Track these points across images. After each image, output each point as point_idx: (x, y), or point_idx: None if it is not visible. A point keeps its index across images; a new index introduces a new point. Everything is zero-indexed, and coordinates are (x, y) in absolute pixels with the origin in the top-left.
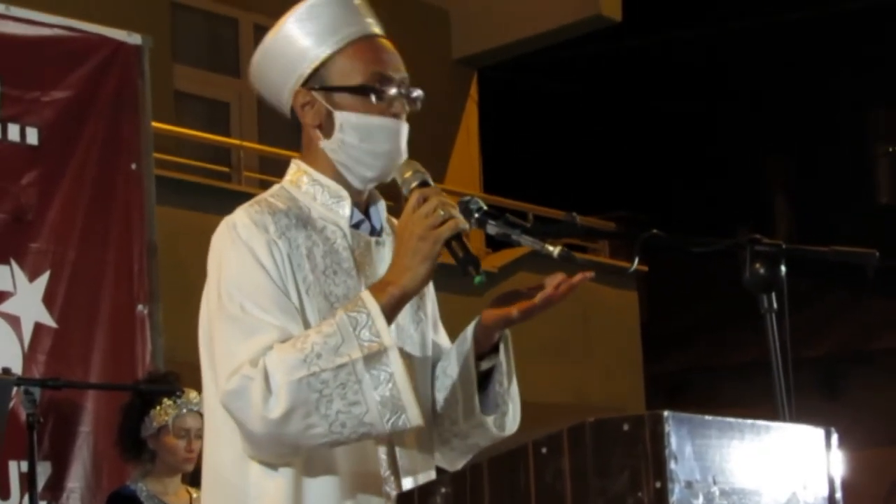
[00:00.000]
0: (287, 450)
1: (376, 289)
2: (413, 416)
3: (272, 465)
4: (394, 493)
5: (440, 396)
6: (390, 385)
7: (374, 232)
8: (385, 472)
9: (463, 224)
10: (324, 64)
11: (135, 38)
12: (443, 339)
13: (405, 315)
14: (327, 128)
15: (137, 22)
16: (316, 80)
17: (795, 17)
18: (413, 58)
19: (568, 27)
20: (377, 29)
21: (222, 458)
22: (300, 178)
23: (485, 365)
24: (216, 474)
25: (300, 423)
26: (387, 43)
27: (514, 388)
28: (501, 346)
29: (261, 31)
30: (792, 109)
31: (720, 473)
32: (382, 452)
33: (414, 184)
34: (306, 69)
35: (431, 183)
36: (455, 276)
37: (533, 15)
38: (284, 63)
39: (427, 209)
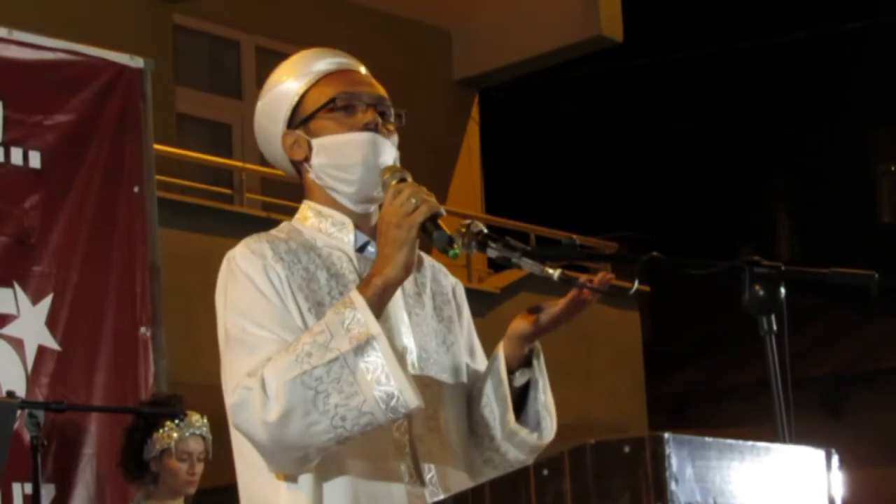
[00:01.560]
0: (296, 452)
1: (362, 284)
2: (409, 397)
3: (295, 481)
4: None
5: (477, 417)
6: (382, 370)
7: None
8: (410, 485)
9: (436, 206)
10: (301, 100)
11: (137, 62)
12: (480, 364)
13: (432, 339)
14: (309, 157)
15: (139, 44)
16: (296, 118)
17: (796, 37)
18: (414, 79)
19: (569, 48)
20: (360, 69)
21: (256, 481)
22: (306, 215)
23: (518, 380)
24: (251, 497)
25: (301, 422)
26: (365, 75)
27: (550, 398)
28: (535, 360)
29: (263, 53)
30: (793, 129)
31: (721, 495)
32: (404, 467)
33: (392, 182)
34: (287, 111)
35: (409, 178)
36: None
37: (534, 35)
38: (272, 113)
39: (401, 199)
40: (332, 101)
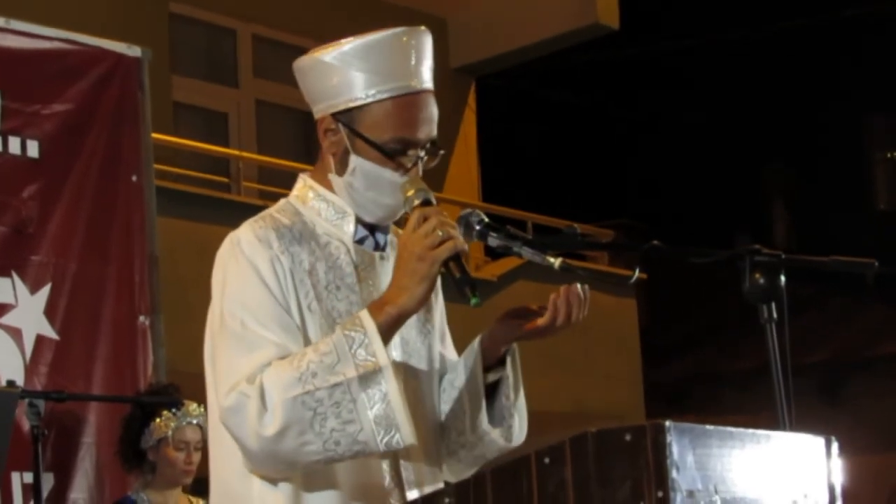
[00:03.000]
0: (283, 466)
1: (374, 307)
2: (406, 434)
3: (273, 479)
4: None
5: (447, 408)
6: (385, 405)
7: (379, 247)
8: (389, 484)
9: (461, 245)
10: (360, 107)
11: (134, 51)
12: (450, 351)
13: (412, 328)
14: (341, 163)
15: (135, 33)
16: (347, 116)
17: (793, 25)
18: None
19: (566, 35)
20: (427, 81)
21: (227, 470)
22: (306, 194)
23: (492, 377)
24: (223, 486)
25: (295, 440)
26: (428, 99)
27: (522, 401)
28: (508, 359)
29: (259, 42)
30: (790, 116)
31: (721, 482)
32: (385, 465)
33: (416, 202)
34: (342, 103)
35: (434, 201)
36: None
37: (530, 23)
38: (327, 84)
39: (427, 229)
40: (385, 147)
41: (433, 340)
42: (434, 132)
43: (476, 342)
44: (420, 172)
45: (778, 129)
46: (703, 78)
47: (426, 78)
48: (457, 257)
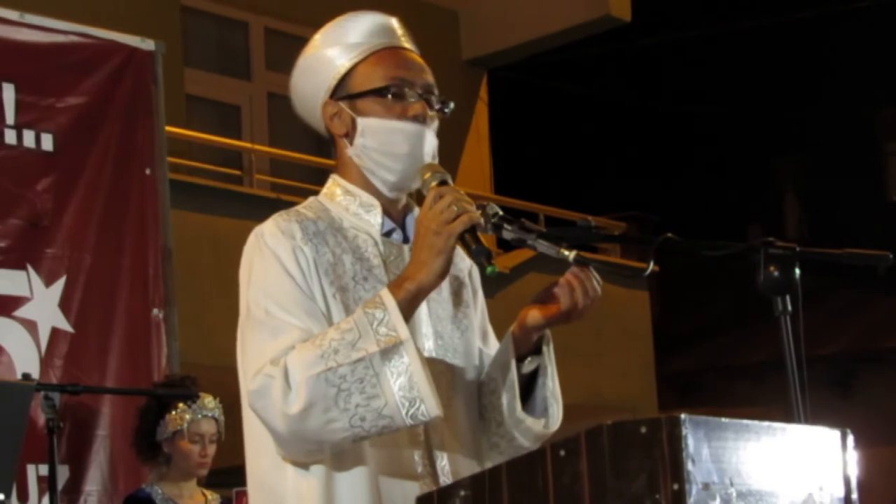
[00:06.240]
0: (312, 446)
1: (394, 285)
2: (431, 406)
3: (305, 467)
4: None
5: (486, 401)
6: (408, 377)
7: (407, 240)
8: (422, 472)
9: (477, 218)
10: (349, 73)
11: (148, 44)
12: (492, 349)
13: (447, 322)
14: (352, 135)
15: (148, 26)
16: (342, 91)
17: (805, 16)
18: (423, 59)
19: (577, 28)
20: (407, 44)
21: (262, 464)
22: (334, 191)
23: (527, 367)
24: (258, 480)
25: (320, 417)
26: (414, 55)
27: (557, 387)
28: (545, 348)
29: (271, 34)
30: (801, 108)
31: (737, 475)
32: (418, 456)
33: (433, 183)
34: (333, 81)
35: (451, 182)
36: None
37: (542, 16)
38: (314, 78)
39: (442, 205)
40: (385, 87)
41: (471, 336)
42: (431, 80)
43: (509, 334)
44: (429, 120)
45: (790, 121)
46: (714, 70)
47: (410, 47)
48: (472, 230)
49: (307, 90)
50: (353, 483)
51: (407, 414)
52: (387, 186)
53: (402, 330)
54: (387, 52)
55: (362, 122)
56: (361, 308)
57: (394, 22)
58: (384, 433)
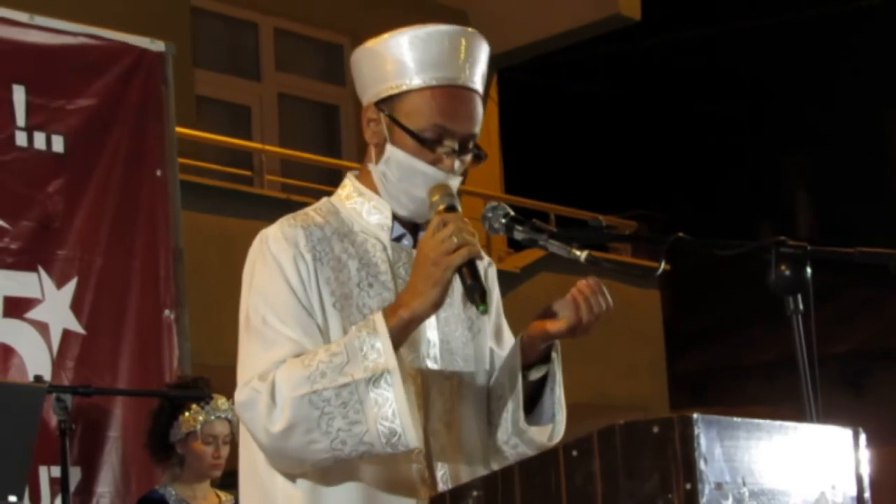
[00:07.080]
0: (293, 462)
1: (389, 310)
2: (410, 438)
3: (291, 475)
4: None
5: (493, 407)
6: (390, 407)
7: (416, 246)
8: (418, 483)
9: (476, 251)
10: (401, 94)
11: (158, 46)
12: (506, 349)
13: (455, 326)
14: (379, 152)
15: (157, 27)
16: (389, 105)
17: (813, 14)
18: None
19: (587, 27)
20: (475, 83)
21: (256, 459)
22: (349, 192)
23: (534, 374)
24: (253, 473)
25: (302, 438)
26: (472, 96)
27: (562, 397)
28: (554, 356)
29: (280, 35)
30: (810, 105)
31: (749, 474)
32: (415, 467)
33: (440, 207)
34: (385, 90)
35: (458, 207)
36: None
37: (551, 15)
38: (376, 72)
39: (444, 235)
40: (424, 132)
41: (483, 340)
42: (475, 130)
43: (518, 341)
44: (457, 170)
45: (799, 120)
46: (723, 68)
47: (475, 80)
48: (470, 264)
49: (366, 72)
50: (341, 493)
51: (387, 443)
52: (399, 210)
53: (390, 359)
54: (442, 92)
55: (390, 151)
56: (354, 329)
57: (465, 42)
58: (364, 457)
